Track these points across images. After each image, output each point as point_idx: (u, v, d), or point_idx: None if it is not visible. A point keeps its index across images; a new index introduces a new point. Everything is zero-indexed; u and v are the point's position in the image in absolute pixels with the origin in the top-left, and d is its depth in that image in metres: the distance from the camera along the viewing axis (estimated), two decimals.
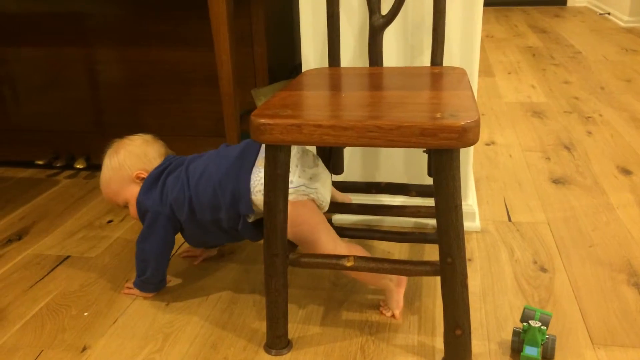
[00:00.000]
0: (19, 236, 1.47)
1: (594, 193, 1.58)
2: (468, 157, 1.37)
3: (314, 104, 0.94)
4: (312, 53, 1.33)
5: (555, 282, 1.19)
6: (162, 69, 1.71)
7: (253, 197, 1.02)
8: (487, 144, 2.00)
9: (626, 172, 1.71)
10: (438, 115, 0.82)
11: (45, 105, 1.83)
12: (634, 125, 2.12)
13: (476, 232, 1.40)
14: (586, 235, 1.37)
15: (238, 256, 1.34)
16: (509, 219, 1.46)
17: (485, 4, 5.38)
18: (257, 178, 1.02)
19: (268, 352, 1.01)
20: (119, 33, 1.70)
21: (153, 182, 1.13)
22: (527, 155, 1.88)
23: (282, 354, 1.01)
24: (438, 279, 1.20)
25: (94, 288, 1.23)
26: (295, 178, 1.02)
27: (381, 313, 1.10)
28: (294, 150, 1.04)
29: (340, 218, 1.46)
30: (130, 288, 1.19)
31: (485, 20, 4.80)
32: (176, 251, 1.36)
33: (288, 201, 1.01)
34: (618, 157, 1.83)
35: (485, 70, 3.10)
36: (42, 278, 1.27)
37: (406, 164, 1.41)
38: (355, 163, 1.43)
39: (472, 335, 1.03)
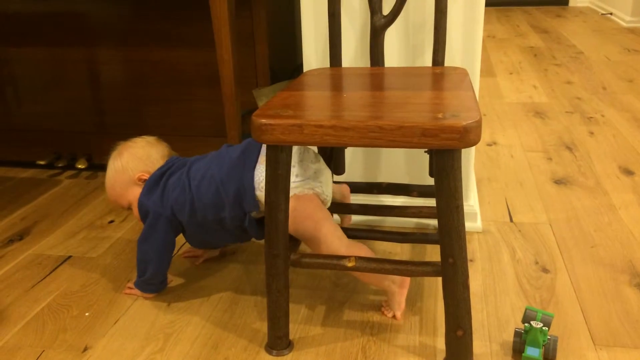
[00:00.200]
0: (21, 236, 1.47)
1: (596, 193, 1.58)
2: (469, 158, 1.37)
3: (316, 104, 0.94)
4: (314, 53, 1.33)
5: (557, 282, 1.19)
6: (163, 69, 1.71)
7: (258, 192, 1.03)
8: (489, 144, 2.00)
9: (628, 172, 1.71)
10: (439, 115, 0.82)
11: (46, 106, 1.84)
12: (636, 125, 2.12)
13: (478, 232, 1.40)
14: (588, 235, 1.36)
15: (239, 256, 1.34)
16: (511, 220, 1.46)
17: (487, 4, 5.38)
18: (261, 174, 1.03)
19: (269, 353, 1.01)
20: (121, 33, 1.70)
21: (154, 183, 1.13)
22: (528, 155, 1.88)
23: (283, 355, 1.00)
24: (439, 279, 1.20)
25: (95, 288, 1.23)
26: (300, 172, 1.04)
27: (383, 314, 1.10)
28: (295, 147, 1.04)
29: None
30: (131, 288, 1.19)
31: (487, 20, 4.80)
32: (177, 251, 1.36)
33: (294, 195, 1.03)
34: (620, 157, 1.83)
35: (487, 70, 3.10)
36: (44, 278, 1.27)
37: (407, 165, 1.41)
38: (357, 163, 1.43)
39: (474, 335, 1.03)
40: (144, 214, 1.13)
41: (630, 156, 1.83)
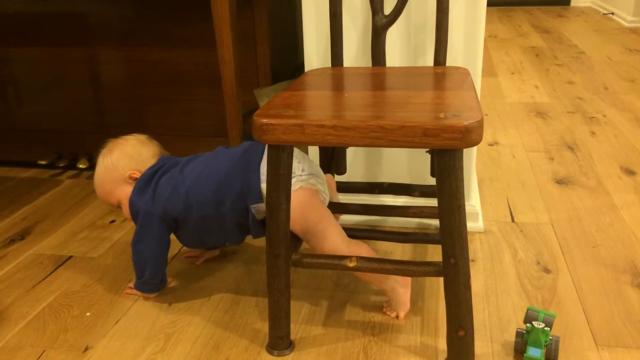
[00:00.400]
0: (22, 236, 1.47)
1: (598, 193, 1.58)
2: (471, 158, 1.37)
3: (317, 104, 0.93)
4: (315, 53, 1.33)
5: (558, 283, 1.18)
6: (164, 69, 1.71)
7: (263, 185, 1.04)
8: (490, 144, 1.99)
9: (630, 172, 1.71)
10: (441, 115, 0.81)
11: (47, 106, 1.84)
12: (638, 125, 2.12)
13: (479, 232, 1.40)
14: (590, 236, 1.36)
15: (240, 256, 1.34)
16: (512, 220, 1.46)
17: (489, 4, 5.37)
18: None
19: (270, 353, 1.01)
20: (122, 33, 1.70)
21: (146, 182, 1.13)
22: (530, 155, 1.88)
23: (285, 355, 1.00)
24: (441, 279, 1.20)
25: (96, 288, 1.23)
26: (306, 167, 1.06)
27: (384, 314, 1.10)
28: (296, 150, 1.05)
29: (342, 218, 1.45)
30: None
31: (489, 20, 4.80)
32: (178, 251, 1.36)
33: (301, 187, 1.04)
34: (622, 157, 1.82)
35: (489, 70, 3.10)
36: (45, 278, 1.27)
37: (409, 164, 1.41)
38: (358, 163, 1.43)
39: (475, 336, 1.03)
40: (135, 214, 1.12)
41: (632, 156, 1.83)
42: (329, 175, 1.24)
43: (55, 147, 1.86)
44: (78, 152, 1.84)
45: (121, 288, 1.22)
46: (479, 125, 0.79)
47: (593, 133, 2.06)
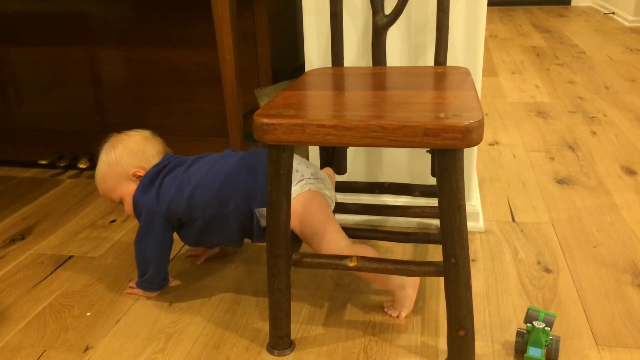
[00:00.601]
0: (22, 236, 1.47)
1: (598, 193, 1.58)
2: (472, 157, 1.37)
3: (317, 103, 0.93)
4: (315, 53, 1.33)
5: (559, 282, 1.18)
6: (165, 68, 1.71)
7: None
8: (491, 144, 1.99)
9: (631, 172, 1.71)
10: (442, 115, 0.81)
11: (48, 105, 1.84)
12: (639, 125, 2.11)
13: (480, 232, 1.40)
14: (590, 235, 1.36)
15: (241, 256, 1.34)
16: (513, 220, 1.45)
17: (489, 4, 5.37)
18: None
19: (271, 353, 1.01)
20: (122, 33, 1.70)
21: (150, 181, 1.12)
22: (531, 155, 1.88)
23: (285, 355, 1.00)
24: (441, 279, 1.20)
25: (97, 288, 1.23)
26: (314, 171, 1.07)
27: (386, 313, 1.10)
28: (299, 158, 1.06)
29: (343, 218, 1.45)
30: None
31: (489, 20, 4.79)
32: (179, 251, 1.36)
33: (309, 190, 1.05)
34: (622, 157, 1.82)
35: (489, 70, 3.10)
36: (45, 278, 1.27)
37: (409, 164, 1.40)
38: (359, 163, 1.43)
39: (476, 336, 1.03)
40: (138, 212, 1.12)
41: (633, 156, 1.82)
42: (329, 168, 1.24)
43: (55, 146, 1.86)
44: (79, 151, 1.84)
45: (122, 288, 1.22)
46: (480, 125, 0.79)
47: (594, 133, 2.05)
